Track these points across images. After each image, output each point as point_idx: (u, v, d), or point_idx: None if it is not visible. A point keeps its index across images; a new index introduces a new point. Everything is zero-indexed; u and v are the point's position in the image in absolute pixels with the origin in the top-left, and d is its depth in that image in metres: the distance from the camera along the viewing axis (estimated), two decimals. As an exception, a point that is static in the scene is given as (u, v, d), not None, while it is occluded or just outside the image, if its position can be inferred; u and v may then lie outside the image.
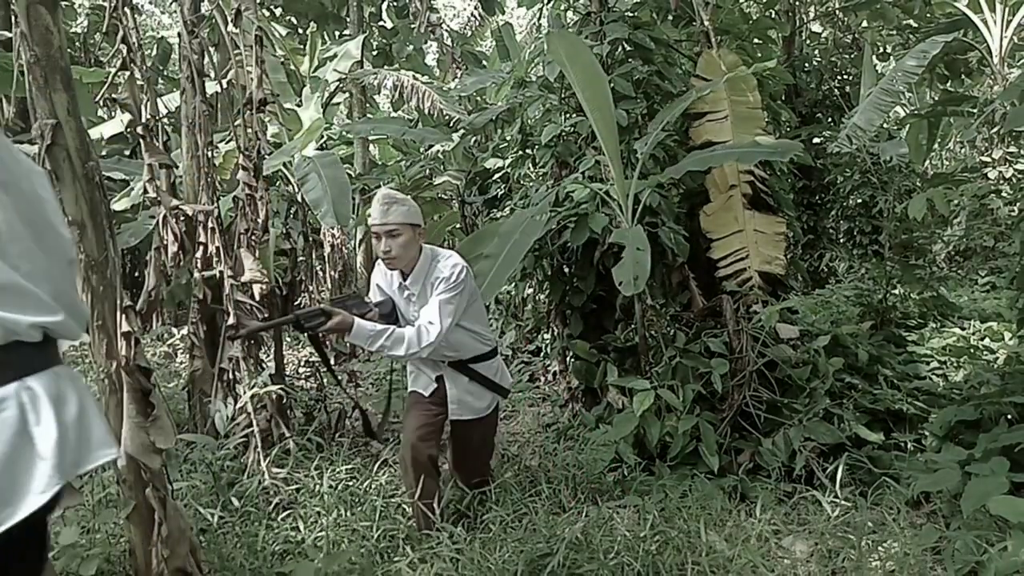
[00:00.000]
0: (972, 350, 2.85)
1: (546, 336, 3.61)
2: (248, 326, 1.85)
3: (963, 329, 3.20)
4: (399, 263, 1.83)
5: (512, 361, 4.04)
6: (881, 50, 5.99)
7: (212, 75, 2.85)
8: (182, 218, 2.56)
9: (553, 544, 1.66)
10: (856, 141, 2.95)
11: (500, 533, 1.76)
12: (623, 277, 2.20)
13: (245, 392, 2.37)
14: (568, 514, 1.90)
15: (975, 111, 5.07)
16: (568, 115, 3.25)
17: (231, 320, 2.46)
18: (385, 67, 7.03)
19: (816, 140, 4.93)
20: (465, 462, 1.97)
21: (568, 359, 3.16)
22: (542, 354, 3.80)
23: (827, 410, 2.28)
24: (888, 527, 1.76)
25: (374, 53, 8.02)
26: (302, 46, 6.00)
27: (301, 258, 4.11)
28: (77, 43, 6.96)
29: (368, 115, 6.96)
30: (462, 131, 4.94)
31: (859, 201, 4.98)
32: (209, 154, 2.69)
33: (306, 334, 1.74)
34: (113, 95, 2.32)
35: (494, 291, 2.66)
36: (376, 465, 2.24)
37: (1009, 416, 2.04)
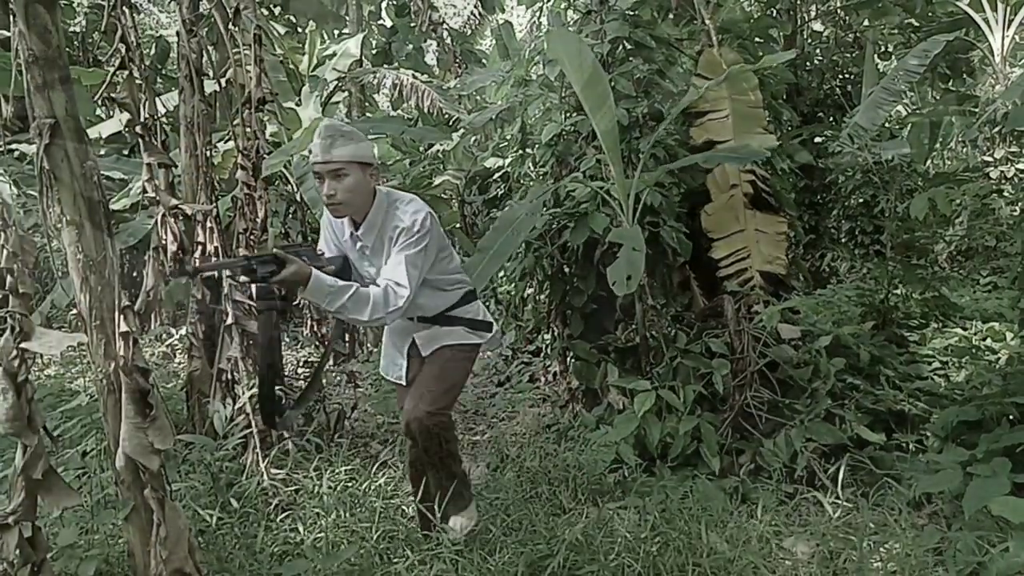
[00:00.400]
0: (974, 350, 2.85)
1: (546, 336, 3.60)
2: (194, 266, 1.59)
3: (965, 329, 3.19)
4: (346, 209, 1.54)
5: (512, 361, 4.03)
6: (883, 49, 5.97)
7: (211, 74, 2.84)
8: (181, 218, 2.55)
9: (553, 546, 1.66)
10: (858, 140, 2.95)
11: (500, 535, 1.75)
12: (616, 276, 2.19)
13: (244, 393, 2.37)
14: (568, 515, 1.90)
15: (977, 110, 5.06)
16: (568, 114, 3.24)
17: (230, 320, 2.45)
18: (384, 66, 7.02)
19: (818, 139, 4.92)
20: (416, 389, 1.63)
21: (568, 359, 3.15)
22: (542, 354, 3.79)
23: (829, 411, 2.27)
24: (890, 528, 1.76)
25: (374, 52, 8.00)
26: (301, 45, 5.98)
27: (300, 258, 4.08)
28: (75, 42, 6.94)
29: (367, 114, 6.94)
30: (462, 130, 4.93)
31: (861, 201, 4.96)
32: (208, 153, 2.68)
33: (255, 285, 1.44)
34: (111, 94, 2.31)
35: (482, 282, 2.64)
36: (375, 466, 2.23)
37: (1011, 416, 2.04)
